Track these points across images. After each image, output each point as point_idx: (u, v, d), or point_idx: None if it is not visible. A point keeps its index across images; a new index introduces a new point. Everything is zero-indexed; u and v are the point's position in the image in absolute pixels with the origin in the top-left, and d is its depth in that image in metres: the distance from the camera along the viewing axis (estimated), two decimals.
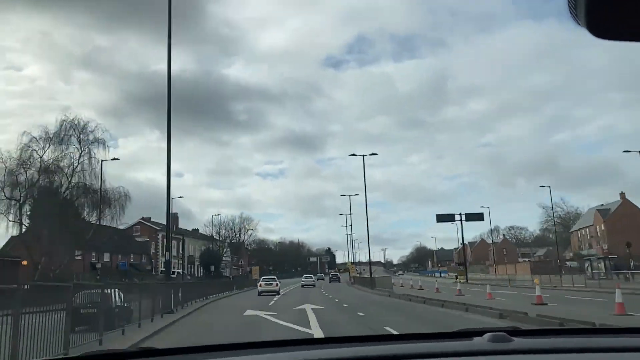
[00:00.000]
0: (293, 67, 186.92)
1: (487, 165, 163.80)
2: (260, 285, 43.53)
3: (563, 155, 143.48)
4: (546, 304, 21.32)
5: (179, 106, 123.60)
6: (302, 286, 60.38)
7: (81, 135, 41.06)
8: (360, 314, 20.05)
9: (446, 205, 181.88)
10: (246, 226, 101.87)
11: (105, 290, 13.94)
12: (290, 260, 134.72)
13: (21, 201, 39.18)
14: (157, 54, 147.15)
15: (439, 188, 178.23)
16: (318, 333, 13.68)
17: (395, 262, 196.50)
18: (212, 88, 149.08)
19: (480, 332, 1.67)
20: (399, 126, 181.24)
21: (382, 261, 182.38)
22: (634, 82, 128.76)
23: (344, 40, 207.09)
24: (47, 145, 39.74)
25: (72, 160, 40.58)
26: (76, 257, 44.31)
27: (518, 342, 1.57)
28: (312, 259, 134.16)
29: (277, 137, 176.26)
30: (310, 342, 1.82)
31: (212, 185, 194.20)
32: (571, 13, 0.96)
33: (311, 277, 69.03)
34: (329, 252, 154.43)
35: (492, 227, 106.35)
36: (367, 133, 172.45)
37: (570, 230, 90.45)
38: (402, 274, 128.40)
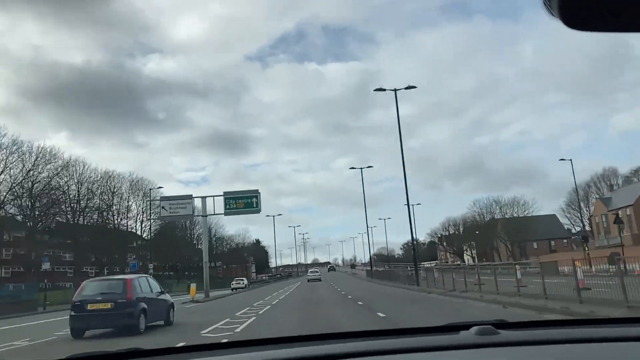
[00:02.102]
0: (216, 61, 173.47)
1: (413, 168, 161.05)
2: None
3: (486, 158, 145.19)
4: None
5: (90, 102, 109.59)
6: (309, 281, 66.33)
7: None
8: None
9: (375, 209, 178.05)
10: None
11: None
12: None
13: None
14: (58, 41, 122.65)
15: (367, 192, 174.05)
16: None
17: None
18: (125, 82, 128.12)
19: (467, 326, 1.67)
20: (323, 130, 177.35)
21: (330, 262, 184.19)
22: (550, 88, 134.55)
23: (272, 33, 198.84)
24: None
25: None
26: None
27: (505, 334, 1.58)
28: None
29: (199, 138, 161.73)
30: (296, 339, 1.81)
31: (128, 190, 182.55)
32: (545, 4, 0.95)
33: (317, 272, 76.32)
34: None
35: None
36: (291, 137, 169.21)
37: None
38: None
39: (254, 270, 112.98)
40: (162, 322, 16.60)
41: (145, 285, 16.33)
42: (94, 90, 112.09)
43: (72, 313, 14.78)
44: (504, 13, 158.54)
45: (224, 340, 1.80)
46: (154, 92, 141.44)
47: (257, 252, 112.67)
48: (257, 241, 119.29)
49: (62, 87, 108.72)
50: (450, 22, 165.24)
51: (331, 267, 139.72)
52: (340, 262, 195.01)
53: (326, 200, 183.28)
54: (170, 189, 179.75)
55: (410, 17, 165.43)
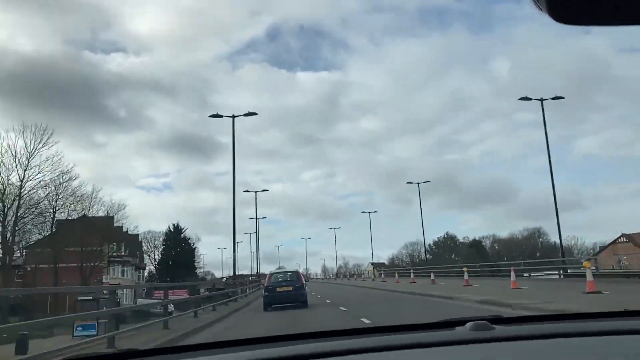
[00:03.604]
0: (183, 57, 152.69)
1: (380, 183, 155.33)
2: None
3: (455, 175, 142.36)
4: None
5: (40, 95, 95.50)
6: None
7: None
8: None
9: (342, 222, 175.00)
10: None
11: None
12: None
13: None
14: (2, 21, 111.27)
15: (334, 205, 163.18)
16: None
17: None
18: (81, 74, 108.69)
19: (462, 322, 1.67)
20: (291, 141, 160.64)
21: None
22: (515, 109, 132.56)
23: (244, 33, 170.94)
24: None
25: None
26: None
27: (500, 329, 1.58)
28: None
29: (162, 141, 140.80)
30: (290, 337, 1.81)
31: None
32: None
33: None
34: None
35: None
36: (258, 147, 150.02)
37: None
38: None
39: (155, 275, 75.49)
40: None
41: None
42: (45, 81, 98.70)
43: (266, 293, 21.94)
44: (483, 26, 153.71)
45: (216, 340, 1.79)
46: (114, 88, 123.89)
47: (176, 243, 74.46)
48: (177, 228, 75.92)
49: (5, 75, 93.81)
50: (427, 32, 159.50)
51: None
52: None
53: (294, 212, 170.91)
54: (130, 196, 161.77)
55: (387, 24, 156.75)
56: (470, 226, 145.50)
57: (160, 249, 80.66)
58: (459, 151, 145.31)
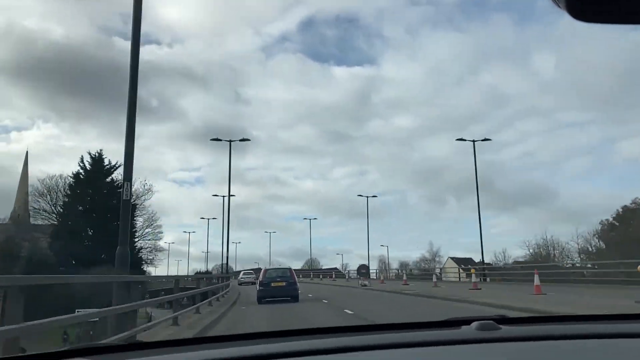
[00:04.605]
0: (215, 46, 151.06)
1: (414, 182, 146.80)
2: None
3: (491, 176, 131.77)
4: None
5: (72, 83, 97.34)
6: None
7: None
8: None
9: (373, 220, 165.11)
10: None
11: None
12: None
13: None
14: (28, 9, 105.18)
15: (364, 203, 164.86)
16: None
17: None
18: (112, 62, 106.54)
19: (468, 321, 1.67)
20: (322, 137, 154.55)
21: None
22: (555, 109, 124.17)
23: (279, 23, 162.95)
24: None
25: None
26: None
27: (506, 329, 1.57)
28: None
29: (195, 133, 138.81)
30: (295, 333, 1.81)
31: (119, 186, 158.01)
32: None
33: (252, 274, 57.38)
34: None
35: None
36: (289, 143, 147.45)
37: None
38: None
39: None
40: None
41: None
42: (76, 69, 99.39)
43: (260, 288, 23.35)
44: (527, 17, 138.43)
45: (209, 335, 1.80)
46: (146, 76, 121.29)
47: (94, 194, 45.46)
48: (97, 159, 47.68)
49: (38, 62, 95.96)
50: (466, 23, 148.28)
51: None
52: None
53: (324, 209, 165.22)
54: (162, 189, 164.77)
55: (424, 14, 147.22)
56: (502, 229, 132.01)
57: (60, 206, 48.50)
58: (494, 150, 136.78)
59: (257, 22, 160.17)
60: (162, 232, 56.85)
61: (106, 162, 47.71)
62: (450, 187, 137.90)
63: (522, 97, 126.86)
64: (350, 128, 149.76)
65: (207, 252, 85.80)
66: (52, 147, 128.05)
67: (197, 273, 59.48)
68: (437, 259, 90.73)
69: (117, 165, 46.38)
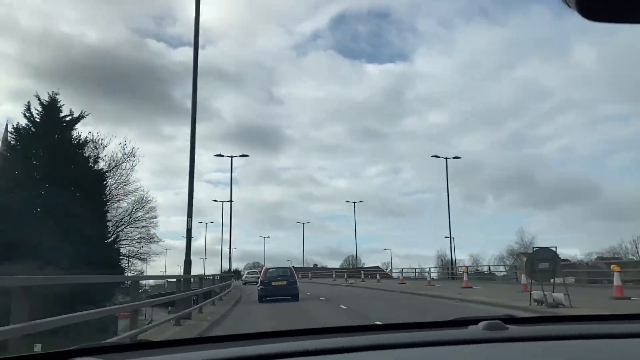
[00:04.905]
0: (247, 45, 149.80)
1: (450, 179, 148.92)
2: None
3: (529, 172, 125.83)
4: None
5: (108, 86, 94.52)
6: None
7: None
8: None
9: (408, 220, 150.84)
10: None
11: None
12: None
13: None
14: (64, 13, 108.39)
15: (398, 202, 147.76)
16: None
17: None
18: (147, 63, 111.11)
19: (475, 321, 1.66)
20: (354, 136, 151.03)
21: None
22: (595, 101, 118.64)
23: (310, 19, 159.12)
24: None
25: None
26: None
27: (513, 329, 1.57)
28: None
29: (229, 133, 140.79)
30: (300, 332, 1.81)
31: (157, 187, 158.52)
32: None
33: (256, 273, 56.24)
34: None
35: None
36: (321, 141, 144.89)
37: None
38: None
39: None
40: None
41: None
42: (112, 72, 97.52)
43: (261, 287, 23.85)
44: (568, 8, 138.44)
45: (216, 335, 1.80)
46: (180, 77, 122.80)
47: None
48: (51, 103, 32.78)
49: (75, 66, 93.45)
50: (503, 14, 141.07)
51: None
52: None
53: (357, 208, 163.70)
54: (198, 190, 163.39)
55: (459, 5, 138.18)
56: (540, 227, 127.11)
57: None
58: (533, 146, 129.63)
59: (289, 20, 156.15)
60: (156, 218, 41.96)
61: (65, 112, 33.20)
62: (487, 183, 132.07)
63: (562, 90, 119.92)
64: (382, 125, 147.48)
65: (205, 257, 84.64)
66: None
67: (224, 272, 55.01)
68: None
69: (80, 116, 33.61)
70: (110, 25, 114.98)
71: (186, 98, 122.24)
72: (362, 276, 47.31)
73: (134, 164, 39.38)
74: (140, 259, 41.48)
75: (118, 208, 38.69)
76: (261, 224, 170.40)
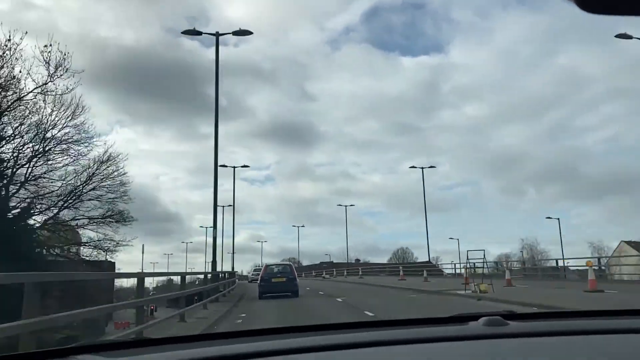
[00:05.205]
0: (281, 41, 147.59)
1: (489, 172, 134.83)
2: None
3: (572, 164, 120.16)
4: None
5: (144, 86, 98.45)
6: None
7: None
8: None
9: (445, 214, 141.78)
10: None
11: None
12: None
13: None
14: (100, 15, 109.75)
15: (436, 196, 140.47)
16: None
17: None
18: (181, 62, 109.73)
19: (475, 317, 1.66)
20: (389, 131, 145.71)
21: None
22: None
23: (345, 9, 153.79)
24: None
25: None
26: None
27: (514, 325, 1.57)
28: None
29: (263, 130, 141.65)
30: (300, 329, 1.81)
31: (194, 187, 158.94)
32: None
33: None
34: None
35: None
36: (355, 137, 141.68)
37: None
38: None
39: None
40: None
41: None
42: (147, 72, 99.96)
43: (261, 283, 23.92)
44: None
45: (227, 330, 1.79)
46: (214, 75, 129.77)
47: None
48: None
49: (111, 68, 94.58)
50: (541, 1, 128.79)
51: None
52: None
53: (394, 204, 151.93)
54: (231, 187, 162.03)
55: None
56: (584, 220, 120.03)
57: None
58: (575, 136, 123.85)
59: (321, 14, 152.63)
60: (128, 195, 28.63)
61: None
62: (528, 176, 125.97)
63: (606, 79, 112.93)
64: (418, 119, 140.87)
65: (207, 262, 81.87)
66: (130, 150, 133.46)
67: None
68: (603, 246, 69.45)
69: None
70: (145, 26, 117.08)
71: (221, 96, 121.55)
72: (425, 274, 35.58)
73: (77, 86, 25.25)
74: (100, 249, 28.11)
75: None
76: (297, 220, 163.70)
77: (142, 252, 67.61)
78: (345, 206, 68.17)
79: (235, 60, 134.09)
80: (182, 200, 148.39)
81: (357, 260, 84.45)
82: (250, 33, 27.07)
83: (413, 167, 54.52)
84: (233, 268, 47.91)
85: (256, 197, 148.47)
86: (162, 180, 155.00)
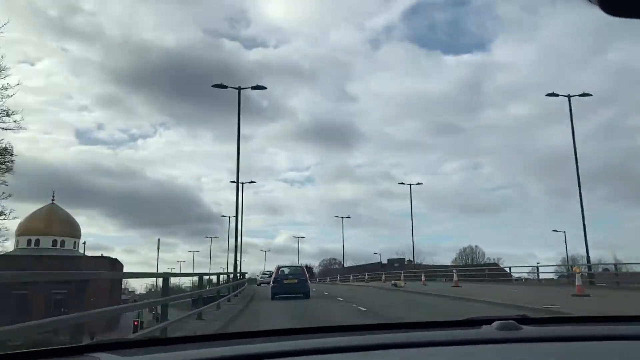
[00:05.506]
0: (321, 41, 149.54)
1: (535, 174, 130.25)
2: None
3: (623, 165, 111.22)
4: None
5: (185, 88, 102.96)
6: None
7: None
8: None
9: (490, 216, 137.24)
10: None
11: None
12: None
13: None
14: (142, 18, 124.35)
15: (480, 199, 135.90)
16: None
17: None
18: (221, 64, 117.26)
19: (489, 320, 1.65)
20: (429, 131, 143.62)
21: None
22: None
23: (386, 8, 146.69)
24: None
25: None
26: None
27: (527, 330, 1.56)
28: None
29: (303, 131, 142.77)
30: (315, 330, 1.82)
31: (235, 187, 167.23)
32: None
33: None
34: None
35: None
36: (395, 138, 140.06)
37: None
38: None
39: None
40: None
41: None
42: (189, 74, 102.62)
43: (274, 284, 24.56)
44: None
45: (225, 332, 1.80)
46: (256, 77, 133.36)
47: None
48: None
49: (153, 70, 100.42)
50: None
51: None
52: None
53: (435, 205, 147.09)
54: (274, 189, 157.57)
55: None
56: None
57: None
58: (628, 136, 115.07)
59: (361, 12, 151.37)
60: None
61: None
62: (576, 178, 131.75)
63: None
64: (460, 119, 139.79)
65: (212, 264, 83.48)
66: (173, 152, 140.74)
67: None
68: None
69: None
70: (186, 28, 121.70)
71: (262, 97, 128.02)
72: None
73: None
74: None
75: None
76: (337, 222, 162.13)
77: (157, 248, 67.58)
78: (410, 185, 53.72)
79: (276, 61, 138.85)
80: (224, 201, 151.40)
81: (410, 261, 73.13)
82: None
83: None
84: (236, 270, 43.67)
85: (296, 198, 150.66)
86: (204, 181, 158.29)
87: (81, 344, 1.63)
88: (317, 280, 72.02)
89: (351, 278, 58.98)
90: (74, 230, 66.81)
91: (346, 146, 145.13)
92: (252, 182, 49.02)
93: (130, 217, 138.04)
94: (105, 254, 64.36)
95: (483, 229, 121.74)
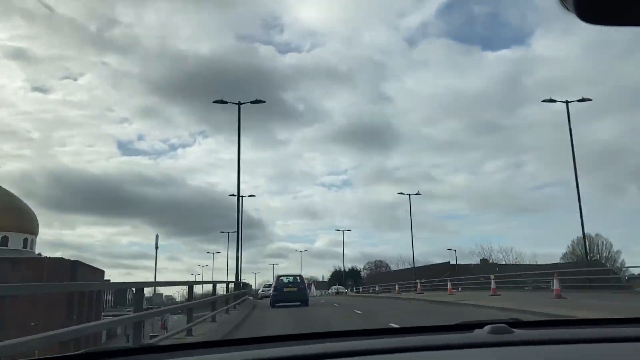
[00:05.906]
0: (356, 41, 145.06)
1: (582, 171, 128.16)
2: None
3: None
4: None
5: (223, 96, 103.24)
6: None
7: None
8: None
9: (534, 216, 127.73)
10: None
11: None
12: None
13: None
14: (177, 28, 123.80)
15: (524, 198, 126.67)
16: None
17: None
18: (257, 68, 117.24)
19: (480, 324, 1.67)
20: (469, 130, 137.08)
21: None
22: None
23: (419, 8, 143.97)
24: None
25: None
26: None
27: (519, 333, 1.57)
28: None
29: (340, 134, 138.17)
30: (307, 336, 1.83)
31: (274, 192, 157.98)
32: None
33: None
34: None
35: None
36: (434, 138, 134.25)
37: None
38: None
39: None
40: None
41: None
42: (224, 80, 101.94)
43: (274, 293, 25.10)
44: None
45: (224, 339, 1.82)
46: (291, 81, 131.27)
47: None
48: None
49: (190, 79, 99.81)
50: None
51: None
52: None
53: (478, 205, 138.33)
54: (312, 193, 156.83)
55: None
56: None
57: None
58: None
59: (397, 9, 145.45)
60: None
61: None
62: (628, 173, 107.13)
63: None
64: (500, 117, 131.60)
65: (248, 270, 79.90)
66: (212, 160, 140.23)
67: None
68: None
69: None
70: (220, 35, 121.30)
71: (298, 101, 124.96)
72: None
73: None
74: None
75: None
76: (378, 225, 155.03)
77: (156, 248, 65.84)
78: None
79: (311, 64, 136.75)
80: (263, 207, 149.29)
81: (485, 260, 65.33)
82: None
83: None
84: (238, 278, 39.82)
85: (334, 202, 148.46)
86: (243, 188, 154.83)
87: (91, 351, 1.64)
88: (370, 289, 59.51)
89: (418, 286, 36.85)
90: (26, 225, 55.22)
91: (384, 148, 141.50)
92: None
93: (172, 225, 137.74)
94: (150, 264, 61.08)
95: (530, 229, 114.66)
